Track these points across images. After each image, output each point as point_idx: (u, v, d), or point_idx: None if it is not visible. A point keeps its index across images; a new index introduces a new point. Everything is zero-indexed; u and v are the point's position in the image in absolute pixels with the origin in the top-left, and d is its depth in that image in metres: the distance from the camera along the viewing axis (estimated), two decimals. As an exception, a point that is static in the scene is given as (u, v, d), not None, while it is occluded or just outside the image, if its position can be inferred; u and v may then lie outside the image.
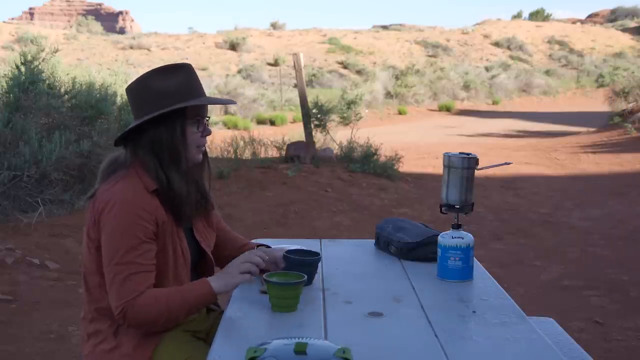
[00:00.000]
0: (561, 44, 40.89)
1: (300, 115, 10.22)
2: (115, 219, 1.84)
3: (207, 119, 2.02)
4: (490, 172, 10.07)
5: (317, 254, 2.05)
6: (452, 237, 2.07)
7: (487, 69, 30.29)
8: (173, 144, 1.92)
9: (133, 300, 1.81)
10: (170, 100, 1.91)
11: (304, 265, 1.99)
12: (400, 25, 54.79)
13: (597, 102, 19.62)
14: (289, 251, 2.02)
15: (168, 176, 1.92)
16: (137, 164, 1.93)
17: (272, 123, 16.81)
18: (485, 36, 40.60)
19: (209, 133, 2.01)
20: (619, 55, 38.18)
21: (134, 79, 2.05)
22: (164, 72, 1.96)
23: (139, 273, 1.83)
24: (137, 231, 1.84)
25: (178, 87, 1.93)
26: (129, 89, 1.99)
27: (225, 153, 8.74)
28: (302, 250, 2.07)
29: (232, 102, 2.27)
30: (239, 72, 25.27)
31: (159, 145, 1.92)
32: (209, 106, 2.04)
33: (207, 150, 2.08)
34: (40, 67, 6.57)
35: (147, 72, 1.99)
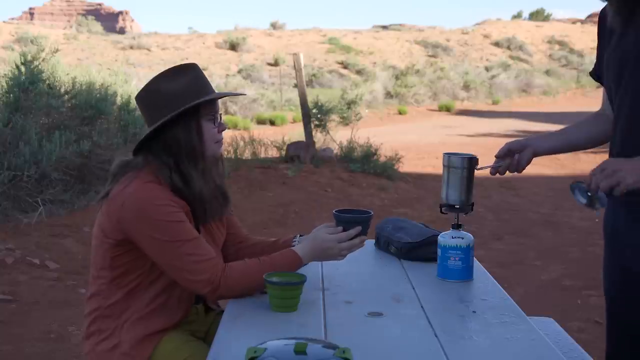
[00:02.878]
0: (561, 44, 40.87)
1: (300, 115, 10.22)
2: (150, 218, 1.85)
3: (220, 114, 2.03)
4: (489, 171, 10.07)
5: (368, 212, 2.06)
6: (452, 237, 2.07)
7: (487, 69, 30.26)
8: (191, 143, 1.94)
9: (223, 272, 1.86)
10: (182, 100, 1.92)
11: (354, 222, 2.00)
12: (400, 25, 54.81)
13: (597, 102, 19.39)
14: (339, 210, 2.05)
15: (187, 176, 1.93)
16: (153, 166, 1.93)
17: (272, 123, 16.79)
18: (485, 36, 40.58)
19: (225, 128, 2.04)
20: (619, 55, 38.10)
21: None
22: (171, 74, 1.97)
23: (201, 244, 1.89)
24: (175, 217, 1.87)
25: (188, 87, 1.94)
26: (139, 97, 2.00)
27: (225, 153, 8.72)
28: (353, 210, 2.09)
29: (242, 94, 2.34)
30: (239, 72, 25.24)
31: (177, 146, 1.93)
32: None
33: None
34: (40, 67, 6.56)
35: (154, 77, 1.99)
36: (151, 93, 1.97)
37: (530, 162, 2.07)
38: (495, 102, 24.80)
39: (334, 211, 2.05)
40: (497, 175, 2.13)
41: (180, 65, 2.02)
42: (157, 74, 2.01)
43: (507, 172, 2.09)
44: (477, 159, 2.10)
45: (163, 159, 1.93)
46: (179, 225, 1.86)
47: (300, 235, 2.15)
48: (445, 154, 2.12)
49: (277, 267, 1.92)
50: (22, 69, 6.44)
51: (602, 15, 1.95)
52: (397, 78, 23.22)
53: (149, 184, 1.89)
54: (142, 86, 2.02)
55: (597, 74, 2.03)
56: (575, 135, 2.11)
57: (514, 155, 2.07)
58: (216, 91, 2.01)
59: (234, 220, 2.22)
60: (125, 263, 1.93)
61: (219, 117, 2.01)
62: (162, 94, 1.94)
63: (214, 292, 1.87)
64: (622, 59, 1.79)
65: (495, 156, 2.11)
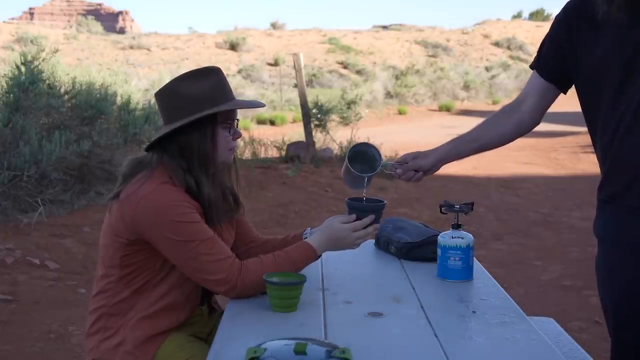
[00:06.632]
0: (561, 44, 40.86)
1: (300, 115, 10.22)
2: (165, 219, 1.84)
3: (237, 121, 2.02)
4: (490, 172, 10.07)
5: (381, 200, 2.05)
6: (452, 237, 2.07)
7: (487, 69, 30.30)
8: (204, 149, 1.94)
9: (239, 270, 1.86)
10: (201, 105, 1.91)
11: (369, 211, 2.00)
12: (400, 25, 54.66)
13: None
14: (352, 198, 2.04)
15: (197, 180, 1.93)
16: (165, 166, 1.93)
17: (272, 123, 16.80)
18: (485, 36, 40.59)
19: (240, 135, 2.04)
20: (619, 55, 38.09)
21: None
22: (193, 76, 1.96)
23: (217, 243, 1.88)
24: (190, 217, 1.87)
25: (209, 92, 1.93)
26: (159, 94, 1.99)
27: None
28: (365, 198, 2.08)
29: (262, 105, 2.21)
30: (239, 72, 25.25)
31: (190, 150, 1.93)
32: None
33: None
34: (40, 67, 6.56)
35: (176, 77, 1.99)
36: (170, 93, 1.95)
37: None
38: (495, 102, 24.79)
39: (346, 199, 2.04)
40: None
41: (203, 68, 2.00)
42: (181, 74, 2.00)
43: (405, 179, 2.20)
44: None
45: (177, 161, 1.93)
46: (194, 225, 1.86)
47: (310, 229, 2.15)
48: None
49: (292, 261, 1.92)
50: (22, 69, 6.44)
51: (570, 11, 1.90)
52: (397, 78, 23.24)
53: (164, 184, 1.89)
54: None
55: (545, 67, 1.99)
56: (485, 139, 2.15)
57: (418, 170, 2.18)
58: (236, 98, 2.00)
59: (245, 221, 2.22)
60: (135, 262, 1.93)
61: (235, 125, 2.01)
62: (181, 97, 1.93)
63: (230, 291, 1.87)
64: (637, 51, 1.76)
65: (397, 162, 2.20)
